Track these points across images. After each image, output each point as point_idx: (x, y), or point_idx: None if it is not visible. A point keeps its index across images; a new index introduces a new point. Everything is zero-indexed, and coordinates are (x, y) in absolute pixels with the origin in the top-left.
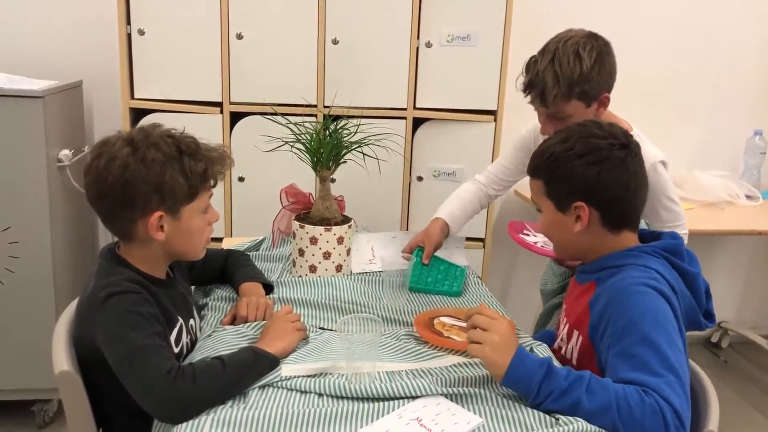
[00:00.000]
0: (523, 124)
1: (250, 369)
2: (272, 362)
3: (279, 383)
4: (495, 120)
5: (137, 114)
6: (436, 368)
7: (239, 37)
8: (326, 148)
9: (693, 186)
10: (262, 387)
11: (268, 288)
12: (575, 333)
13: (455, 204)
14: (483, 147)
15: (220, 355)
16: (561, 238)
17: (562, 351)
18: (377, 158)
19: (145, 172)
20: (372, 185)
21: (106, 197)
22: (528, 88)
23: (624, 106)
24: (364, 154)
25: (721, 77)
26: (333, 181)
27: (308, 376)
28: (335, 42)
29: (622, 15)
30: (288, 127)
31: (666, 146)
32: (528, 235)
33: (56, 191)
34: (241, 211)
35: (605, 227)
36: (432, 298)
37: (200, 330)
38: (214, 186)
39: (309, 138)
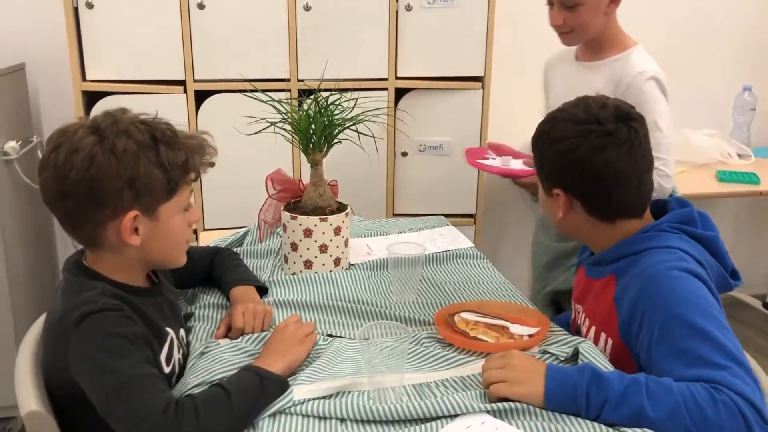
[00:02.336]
0: (513, 90)
1: (258, 396)
2: (281, 384)
3: (292, 409)
4: (482, 87)
5: (90, 97)
6: (470, 376)
7: (201, 6)
8: (318, 128)
9: (683, 147)
10: (273, 415)
11: (262, 290)
12: (603, 335)
13: None
14: (471, 116)
15: (221, 381)
16: (553, 220)
17: None
18: (373, 136)
19: (115, 165)
20: (353, 165)
21: (68, 197)
22: None
23: None
24: (359, 132)
25: (707, 30)
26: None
27: (324, 398)
28: (307, 8)
29: None
30: (272, 105)
31: None
32: (487, 158)
33: (4, 188)
34: (213, 201)
35: (594, 217)
36: (444, 289)
37: (188, 344)
38: (196, 180)
39: (298, 117)
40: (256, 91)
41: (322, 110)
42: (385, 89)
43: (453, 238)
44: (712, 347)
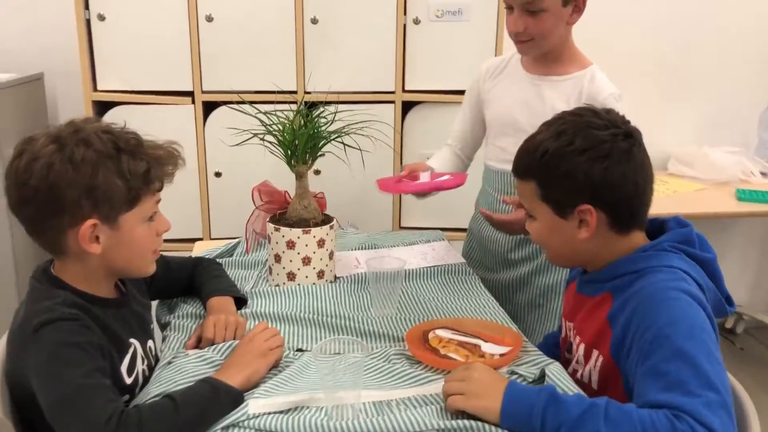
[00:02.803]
0: None
1: (207, 409)
2: (235, 397)
3: (245, 422)
4: None
5: (102, 107)
6: (433, 395)
7: (209, 19)
8: (301, 140)
9: (703, 164)
10: (225, 428)
11: (241, 302)
12: (594, 352)
13: (434, 162)
14: None
15: (172, 392)
16: (561, 246)
17: (579, 374)
18: (360, 149)
19: (73, 173)
20: (358, 178)
21: (29, 204)
22: None
23: (629, 76)
24: (344, 144)
25: (732, 46)
26: (317, 173)
27: (280, 413)
28: (314, 21)
29: None
30: (257, 118)
31: (673, 120)
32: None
33: None
34: (219, 210)
35: (613, 230)
36: (428, 305)
37: (160, 353)
38: (160, 189)
39: (281, 128)
40: (243, 102)
41: (307, 123)
42: (393, 102)
43: (444, 253)
44: (692, 373)
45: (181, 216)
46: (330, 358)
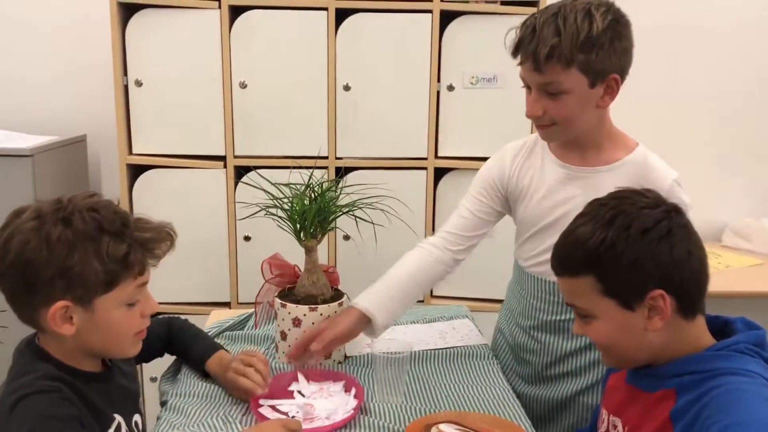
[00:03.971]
0: None
1: None
2: None
3: None
4: None
5: (137, 170)
6: None
7: (243, 85)
8: (310, 215)
9: (761, 237)
10: None
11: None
12: None
13: (377, 286)
14: None
15: None
16: (629, 344)
17: None
18: (372, 222)
19: (46, 253)
20: (389, 245)
21: (5, 277)
22: (519, 46)
23: (682, 143)
24: (356, 217)
25: None
26: (347, 238)
27: None
28: (347, 88)
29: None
30: (265, 191)
31: (728, 190)
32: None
33: None
34: (247, 274)
35: (680, 315)
36: (437, 394)
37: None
38: (141, 273)
39: (290, 202)
40: (274, 167)
41: (316, 197)
42: (425, 168)
43: (465, 334)
44: None
45: (209, 280)
46: None
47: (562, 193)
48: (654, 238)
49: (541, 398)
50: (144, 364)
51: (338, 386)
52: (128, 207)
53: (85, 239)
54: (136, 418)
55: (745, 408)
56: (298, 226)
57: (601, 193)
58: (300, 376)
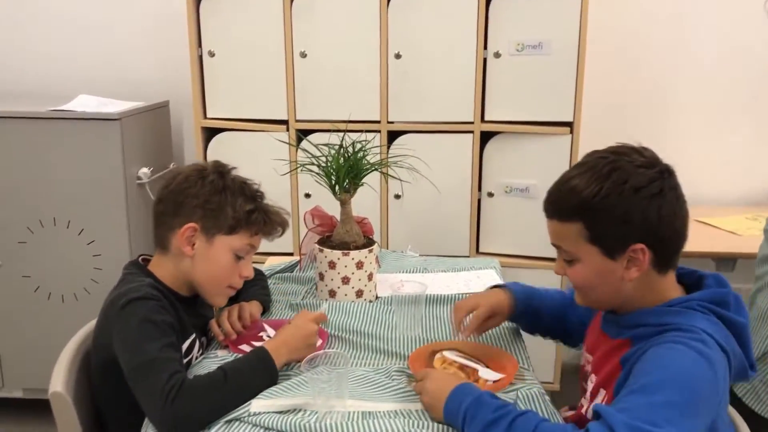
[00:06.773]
0: (602, 136)
1: (250, 381)
2: (273, 377)
3: (246, 418)
4: (571, 132)
5: (211, 132)
6: (418, 411)
7: (303, 55)
8: (342, 171)
9: None
10: (229, 422)
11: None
12: (602, 392)
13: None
14: (558, 161)
15: (226, 363)
16: (605, 289)
17: (583, 410)
18: (400, 179)
19: (199, 187)
20: (437, 204)
21: (161, 202)
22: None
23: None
24: (388, 175)
25: None
26: (397, 197)
27: (278, 413)
28: (398, 56)
29: (705, 31)
30: (304, 149)
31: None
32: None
33: (135, 207)
34: None
35: (655, 269)
36: (451, 331)
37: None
38: (257, 233)
39: (326, 160)
40: (331, 131)
41: (346, 155)
42: (471, 132)
43: (487, 281)
44: (646, 404)
45: None
46: (318, 369)
47: None
48: (646, 196)
49: None
50: None
51: None
52: None
53: (228, 190)
54: (203, 339)
55: (669, 363)
56: (333, 180)
57: None
58: (266, 326)
